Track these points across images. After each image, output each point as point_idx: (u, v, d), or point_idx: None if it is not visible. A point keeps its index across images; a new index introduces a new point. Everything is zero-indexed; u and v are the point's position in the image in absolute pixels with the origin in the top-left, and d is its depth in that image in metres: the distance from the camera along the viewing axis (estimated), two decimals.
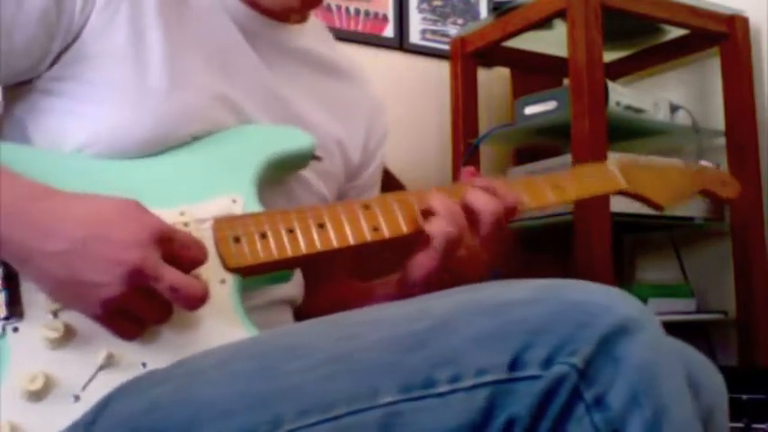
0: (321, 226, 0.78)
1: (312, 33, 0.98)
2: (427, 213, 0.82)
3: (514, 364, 0.55)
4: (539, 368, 0.55)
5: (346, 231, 0.79)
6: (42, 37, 0.76)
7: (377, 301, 0.91)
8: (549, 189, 0.93)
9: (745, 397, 1.48)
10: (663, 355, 0.57)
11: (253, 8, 0.90)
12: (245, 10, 0.89)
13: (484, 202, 0.82)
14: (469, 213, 0.82)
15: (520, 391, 0.54)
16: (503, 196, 0.84)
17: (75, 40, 0.78)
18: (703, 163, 1.12)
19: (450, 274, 0.82)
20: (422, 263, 0.81)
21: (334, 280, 1.03)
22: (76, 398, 0.67)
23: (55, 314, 0.69)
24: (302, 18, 0.96)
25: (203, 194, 0.78)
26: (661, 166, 1.06)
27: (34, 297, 0.69)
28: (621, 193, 1.01)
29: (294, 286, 0.91)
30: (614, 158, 1.04)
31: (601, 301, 0.57)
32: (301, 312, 0.95)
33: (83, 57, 0.78)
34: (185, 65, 0.82)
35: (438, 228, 0.80)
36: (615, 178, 1.00)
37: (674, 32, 2.01)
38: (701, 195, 1.12)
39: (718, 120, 1.97)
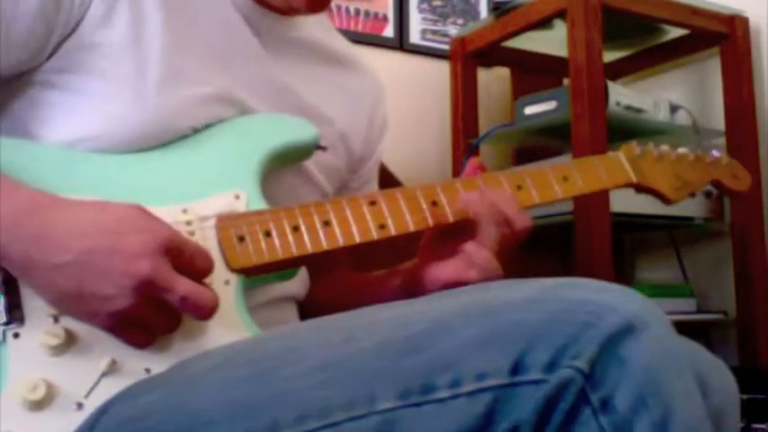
0: (326, 224, 0.77)
1: (314, 24, 0.97)
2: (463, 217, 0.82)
3: (516, 368, 0.54)
4: (542, 372, 0.53)
5: (352, 229, 0.77)
6: (40, 29, 0.75)
7: (377, 296, 0.91)
8: (557, 182, 0.90)
9: (745, 397, 1.47)
10: (670, 353, 0.56)
11: (255, 1, 0.89)
12: (248, 2, 0.88)
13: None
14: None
15: (523, 396, 0.53)
16: (513, 222, 0.84)
17: (73, 31, 0.77)
18: (715, 153, 1.07)
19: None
20: (456, 275, 0.81)
21: (334, 272, 1.02)
22: (80, 405, 0.65)
23: (56, 319, 0.67)
24: (301, 14, 0.95)
25: (205, 191, 0.77)
26: (671, 157, 1.02)
27: (35, 302, 0.67)
28: (631, 186, 0.97)
29: (298, 283, 0.90)
30: (625, 147, 0.99)
31: (604, 299, 0.56)
32: (301, 305, 0.95)
33: (82, 48, 0.77)
34: (186, 57, 0.81)
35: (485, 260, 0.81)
36: (625, 171, 0.96)
37: (674, 32, 2.00)
38: (712, 186, 1.07)
39: (718, 120, 1.97)
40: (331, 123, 0.94)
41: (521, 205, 0.85)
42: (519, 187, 0.88)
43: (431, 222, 0.81)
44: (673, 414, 0.53)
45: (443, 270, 0.83)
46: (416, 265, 0.88)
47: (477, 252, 0.81)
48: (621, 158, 0.96)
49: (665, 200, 1.00)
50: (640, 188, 0.98)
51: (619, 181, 0.95)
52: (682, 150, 1.04)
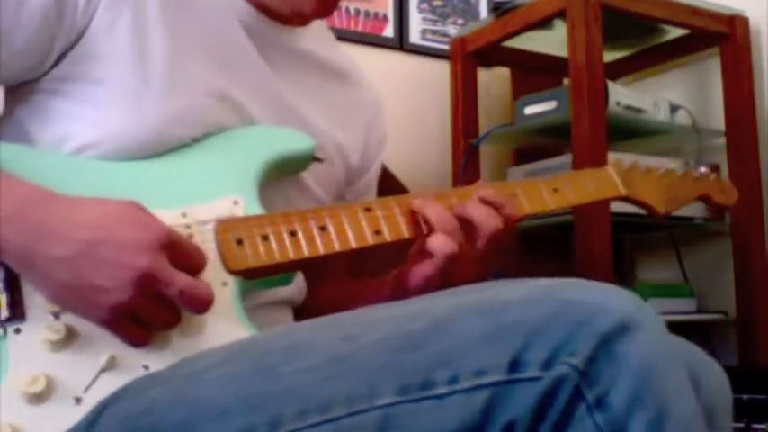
0: (323, 228, 0.78)
1: (314, 36, 0.98)
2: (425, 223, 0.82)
3: (514, 365, 0.55)
4: (539, 369, 0.54)
5: (348, 234, 0.79)
6: (44, 37, 0.76)
7: (369, 302, 0.91)
8: (548, 193, 0.93)
9: (745, 397, 1.48)
10: (664, 352, 0.57)
11: (258, 9, 0.90)
12: (251, 11, 0.89)
13: (484, 217, 0.82)
14: (468, 226, 0.82)
15: (520, 393, 0.54)
16: (502, 209, 0.84)
17: (77, 40, 0.78)
18: (702, 169, 1.13)
19: (444, 280, 0.82)
20: (421, 272, 0.81)
21: (330, 278, 1.03)
22: (78, 400, 0.66)
23: (56, 315, 0.68)
24: (305, 21, 0.96)
25: (205, 196, 0.78)
26: (660, 172, 1.07)
27: (36, 298, 0.68)
28: (620, 198, 1.02)
29: (294, 287, 0.91)
30: (614, 161, 1.03)
31: (600, 299, 0.57)
32: (298, 310, 0.95)
33: (86, 57, 0.78)
34: (188, 66, 0.82)
35: (438, 245, 0.80)
36: (615, 184, 1.00)
37: (674, 32, 2.00)
38: (699, 201, 1.13)
39: (718, 120, 1.97)
40: (327, 135, 0.94)
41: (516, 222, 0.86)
42: (513, 196, 0.90)
43: (425, 230, 0.82)
44: (668, 412, 0.54)
45: (416, 271, 0.83)
46: (401, 272, 0.88)
47: (432, 241, 0.81)
48: (611, 172, 1.01)
49: (654, 212, 1.05)
50: (630, 201, 1.03)
51: (608, 193, 1.00)
52: (669, 166, 1.10)
